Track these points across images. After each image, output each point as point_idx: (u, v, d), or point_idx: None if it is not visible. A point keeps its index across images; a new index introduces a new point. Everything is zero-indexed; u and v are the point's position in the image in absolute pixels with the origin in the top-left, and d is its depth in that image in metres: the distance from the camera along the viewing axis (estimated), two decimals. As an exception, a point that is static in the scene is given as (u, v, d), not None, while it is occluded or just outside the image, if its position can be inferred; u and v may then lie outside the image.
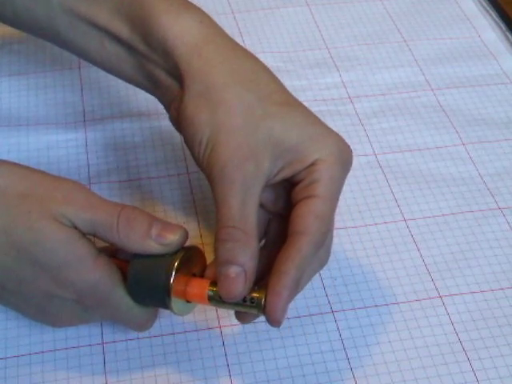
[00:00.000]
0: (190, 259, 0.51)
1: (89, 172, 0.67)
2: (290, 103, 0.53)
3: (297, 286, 0.49)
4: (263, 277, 0.51)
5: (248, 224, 0.49)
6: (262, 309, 0.49)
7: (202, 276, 0.51)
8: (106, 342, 0.56)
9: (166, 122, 0.71)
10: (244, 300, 0.49)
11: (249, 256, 0.48)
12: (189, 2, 0.55)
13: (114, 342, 0.56)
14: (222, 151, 0.49)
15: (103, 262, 0.49)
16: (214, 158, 0.49)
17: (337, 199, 0.51)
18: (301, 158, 0.50)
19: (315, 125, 0.52)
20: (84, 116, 0.72)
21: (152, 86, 0.56)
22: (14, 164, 0.51)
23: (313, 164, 0.50)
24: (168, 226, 0.50)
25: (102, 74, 0.75)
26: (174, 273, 0.49)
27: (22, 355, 0.55)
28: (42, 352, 0.55)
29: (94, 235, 0.50)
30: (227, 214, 0.49)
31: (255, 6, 0.85)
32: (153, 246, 0.49)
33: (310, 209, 0.49)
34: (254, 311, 0.49)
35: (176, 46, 0.52)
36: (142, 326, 0.53)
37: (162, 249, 0.49)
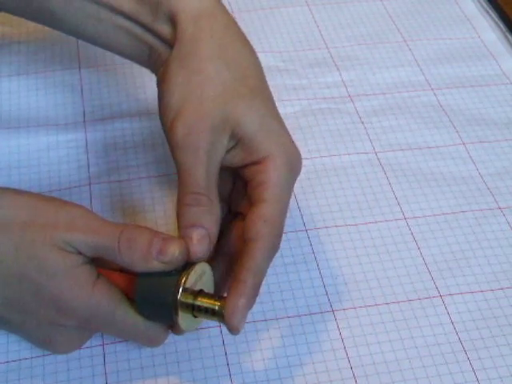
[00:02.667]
0: (198, 275, 0.50)
1: (89, 172, 0.67)
2: (262, 92, 0.54)
3: (255, 293, 0.50)
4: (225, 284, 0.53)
5: (212, 191, 0.50)
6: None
7: (209, 292, 0.51)
8: (107, 343, 0.56)
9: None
10: (206, 310, 0.49)
11: (214, 221, 0.50)
12: None
13: (115, 342, 0.56)
14: (187, 117, 0.51)
15: (101, 285, 0.49)
16: (179, 122, 0.51)
17: (285, 203, 0.52)
18: (252, 147, 0.52)
19: (274, 121, 0.54)
20: (84, 116, 0.72)
21: (145, 56, 0.58)
22: (16, 192, 0.51)
23: (261, 161, 0.52)
24: (168, 242, 0.49)
25: (102, 74, 0.75)
26: (180, 290, 0.49)
27: (25, 358, 0.55)
28: (43, 355, 0.55)
29: (100, 257, 0.50)
30: (192, 181, 0.50)
31: (255, 6, 0.85)
32: (155, 265, 0.49)
33: (258, 214, 0.51)
34: (215, 320, 0.50)
35: (178, 15, 0.54)
36: (153, 341, 0.53)
37: (164, 266, 0.49)
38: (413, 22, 0.84)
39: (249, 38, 0.81)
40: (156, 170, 0.67)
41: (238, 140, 0.52)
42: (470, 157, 0.70)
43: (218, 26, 0.55)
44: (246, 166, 0.53)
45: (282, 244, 0.61)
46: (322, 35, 0.82)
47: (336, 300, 0.59)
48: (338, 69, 0.78)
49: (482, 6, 0.87)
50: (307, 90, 0.76)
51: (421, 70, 0.79)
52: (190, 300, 0.49)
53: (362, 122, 0.73)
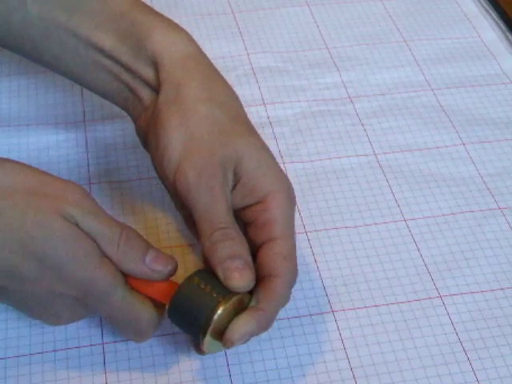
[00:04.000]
0: (236, 304, 0.50)
1: (89, 172, 0.67)
2: (253, 129, 0.56)
3: (268, 325, 0.51)
4: None
5: (235, 225, 0.51)
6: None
7: None
8: (107, 343, 0.56)
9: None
10: None
11: (247, 251, 0.51)
12: (175, 23, 0.58)
13: (115, 342, 0.56)
14: (195, 159, 0.52)
15: (107, 263, 0.49)
16: (188, 166, 0.51)
17: (294, 236, 0.54)
18: (253, 186, 0.53)
19: (268, 154, 0.55)
20: (84, 116, 0.72)
21: (123, 97, 0.58)
22: (18, 163, 0.50)
23: (263, 200, 0.53)
24: (161, 256, 0.51)
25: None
26: (215, 317, 0.49)
27: (23, 355, 0.55)
28: (42, 352, 0.55)
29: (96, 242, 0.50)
30: (217, 218, 0.51)
31: (255, 6, 0.85)
32: (144, 271, 0.50)
33: (276, 251, 0.52)
34: None
35: (163, 57, 0.55)
36: (141, 333, 0.53)
37: (151, 274, 0.50)
38: (413, 22, 0.84)
39: (249, 38, 0.82)
40: (156, 170, 0.67)
41: (238, 179, 0.53)
42: (470, 157, 0.70)
43: (203, 69, 0.56)
44: (246, 207, 0.53)
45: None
46: (321, 35, 0.82)
47: (336, 301, 0.59)
48: (337, 69, 0.78)
49: (482, 5, 0.87)
50: (307, 91, 0.76)
51: (421, 70, 0.79)
52: (221, 327, 0.50)
53: (362, 124, 0.73)
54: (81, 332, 0.56)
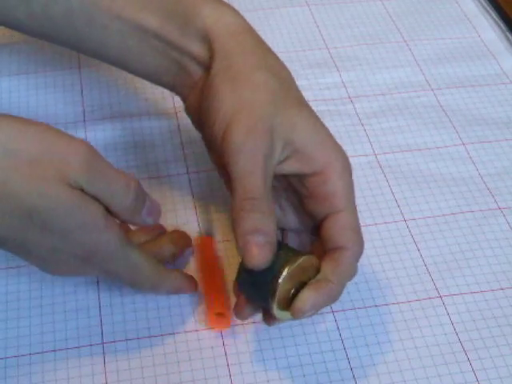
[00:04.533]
0: (303, 268, 0.50)
1: (89, 172, 0.67)
2: (305, 102, 0.55)
3: (337, 296, 0.51)
4: None
5: (269, 198, 0.50)
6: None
7: None
8: (107, 342, 0.56)
9: (166, 122, 0.71)
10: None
11: (273, 227, 0.50)
12: None
13: (114, 341, 0.56)
14: (243, 122, 0.51)
15: (113, 221, 0.51)
16: (235, 128, 0.51)
17: (356, 207, 0.54)
18: (309, 157, 0.52)
19: (324, 128, 0.54)
20: (84, 116, 0.72)
21: (172, 76, 0.58)
22: (24, 122, 0.49)
23: (322, 171, 0.52)
24: (155, 207, 0.53)
25: (102, 73, 0.75)
26: (283, 275, 0.49)
27: (22, 355, 0.55)
28: (42, 352, 0.55)
29: (102, 202, 0.50)
30: (251, 186, 0.49)
31: (255, 6, 0.85)
32: (138, 220, 0.52)
33: (342, 224, 0.52)
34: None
35: (214, 29, 0.55)
36: (156, 286, 0.55)
37: (143, 223, 0.53)
38: (413, 22, 0.84)
39: (249, 38, 0.81)
40: (156, 170, 0.67)
41: (292, 149, 0.52)
42: (470, 157, 0.70)
43: (254, 40, 0.55)
44: (303, 176, 0.53)
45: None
46: (322, 35, 0.82)
47: (336, 301, 0.59)
48: (337, 69, 0.78)
49: (482, 5, 0.87)
50: (307, 91, 0.75)
51: (421, 70, 0.79)
52: (287, 294, 0.50)
53: (362, 124, 0.73)
54: (81, 332, 0.56)
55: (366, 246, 0.62)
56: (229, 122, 0.51)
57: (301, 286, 0.50)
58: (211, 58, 0.54)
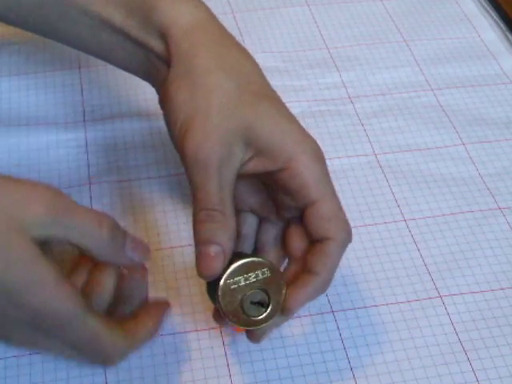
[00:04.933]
0: (248, 268, 0.50)
1: (89, 172, 0.67)
2: (267, 95, 0.54)
3: (325, 288, 0.51)
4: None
5: (226, 207, 0.50)
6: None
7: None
8: (106, 342, 0.56)
9: (165, 122, 0.71)
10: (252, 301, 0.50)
11: (227, 237, 0.50)
12: None
13: (114, 341, 0.56)
14: (196, 133, 0.50)
15: (68, 283, 0.46)
16: (188, 139, 0.50)
17: (335, 193, 0.52)
18: (273, 153, 0.51)
19: (285, 119, 0.53)
20: (84, 116, 0.72)
21: (145, 71, 0.57)
22: None
23: (289, 165, 0.51)
24: (138, 243, 0.50)
25: (102, 73, 0.75)
26: (225, 276, 0.49)
27: (22, 355, 0.55)
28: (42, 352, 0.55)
29: (68, 241, 0.47)
30: (206, 197, 0.50)
31: (255, 6, 0.85)
32: (124, 260, 0.49)
33: (318, 215, 0.51)
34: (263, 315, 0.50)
35: (170, 29, 0.54)
36: (108, 358, 0.49)
37: (129, 263, 0.49)
38: (413, 22, 0.84)
39: (249, 38, 0.82)
40: (156, 170, 0.67)
41: (255, 149, 0.51)
42: (470, 157, 0.70)
43: (212, 37, 0.54)
44: (273, 172, 0.52)
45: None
46: (322, 35, 0.82)
47: (336, 301, 0.59)
48: (337, 69, 0.78)
49: (482, 5, 0.87)
50: (307, 91, 0.76)
51: (421, 70, 0.79)
52: (235, 287, 0.50)
53: (362, 124, 0.73)
54: (81, 332, 0.56)
55: (366, 245, 0.62)
56: (183, 133, 0.51)
57: (263, 290, 0.50)
58: (169, 58, 0.54)
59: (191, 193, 0.51)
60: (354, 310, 0.58)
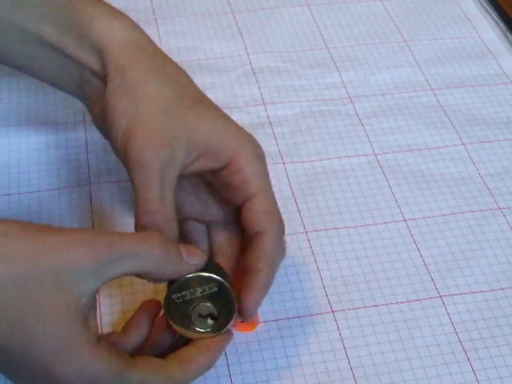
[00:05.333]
0: (194, 287, 0.50)
1: (89, 172, 0.67)
2: (205, 100, 0.55)
3: (271, 282, 0.52)
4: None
5: (168, 209, 0.51)
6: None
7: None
8: (106, 342, 0.56)
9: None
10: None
11: (172, 239, 0.50)
12: (119, 10, 0.57)
13: (114, 341, 0.56)
14: (138, 137, 0.51)
15: (102, 348, 0.45)
16: (131, 143, 0.51)
17: (271, 189, 0.54)
18: (215, 152, 0.53)
19: (223, 119, 0.55)
20: (84, 116, 0.72)
21: (78, 88, 0.58)
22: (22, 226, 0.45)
23: (230, 163, 0.53)
24: (191, 248, 0.50)
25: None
26: (169, 291, 0.50)
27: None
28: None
29: (125, 275, 0.46)
30: (147, 200, 0.50)
31: (255, 6, 0.85)
32: (186, 268, 0.49)
33: (255, 209, 0.52)
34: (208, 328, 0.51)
35: (106, 46, 0.54)
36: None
37: (192, 269, 0.49)
38: (413, 21, 0.84)
39: (249, 38, 0.82)
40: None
41: (198, 150, 0.52)
42: (470, 157, 0.70)
43: (148, 53, 0.55)
44: (216, 170, 0.53)
45: (282, 246, 0.61)
46: (322, 35, 0.82)
47: (336, 301, 0.59)
48: (337, 69, 0.78)
49: (482, 5, 0.87)
50: (307, 91, 0.76)
51: (421, 70, 0.79)
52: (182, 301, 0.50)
53: (362, 124, 0.73)
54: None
55: (366, 245, 0.63)
56: (127, 138, 0.51)
57: (212, 303, 0.50)
58: (106, 74, 0.54)
59: (134, 195, 0.51)
60: (354, 310, 0.58)
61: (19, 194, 0.65)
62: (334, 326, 0.57)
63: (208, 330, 0.51)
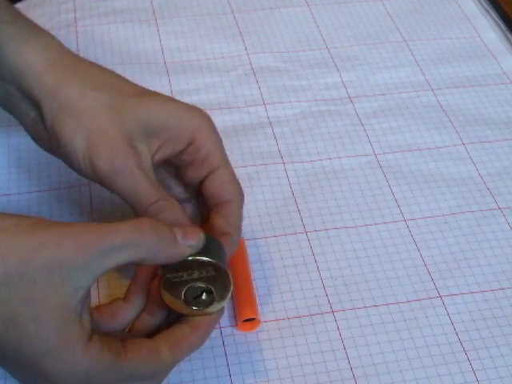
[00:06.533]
0: (193, 270, 0.49)
1: (89, 172, 0.67)
2: (145, 92, 0.56)
3: (237, 245, 0.55)
4: None
5: (162, 192, 0.52)
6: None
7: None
8: (106, 342, 0.56)
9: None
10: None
11: (183, 216, 0.52)
12: (36, 26, 0.56)
13: (114, 341, 0.56)
14: (103, 152, 0.52)
15: (94, 344, 0.45)
16: (98, 160, 0.51)
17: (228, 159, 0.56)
18: (174, 135, 0.54)
19: (173, 102, 0.56)
20: (84, 116, 0.71)
21: (13, 114, 0.57)
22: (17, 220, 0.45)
23: (191, 141, 0.54)
24: (188, 229, 0.49)
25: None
26: (166, 272, 0.49)
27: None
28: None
29: (119, 266, 0.45)
30: (146, 195, 0.51)
31: (255, 6, 0.85)
32: (182, 250, 0.47)
33: (222, 179, 0.55)
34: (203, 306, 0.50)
35: (25, 71, 0.53)
36: (155, 380, 0.49)
37: (188, 251, 0.48)
38: (413, 21, 0.84)
39: (249, 38, 0.82)
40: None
41: (159, 137, 0.54)
42: (470, 157, 0.70)
43: (70, 67, 0.54)
44: (181, 151, 0.55)
45: (282, 246, 0.62)
46: (322, 35, 0.82)
47: (336, 301, 0.59)
48: (337, 69, 0.78)
49: (482, 5, 0.87)
50: (307, 91, 0.76)
51: (421, 70, 0.79)
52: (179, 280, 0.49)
53: (362, 124, 0.73)
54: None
55: (366, 245, 0.63)
56: (90, 157, 0.52)
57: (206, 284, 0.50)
58: (37, 100, 0.53)
59: (127, 201, 0.52)
60: (354, 310, 0.58)
61: (19, 194, 0.65)
62: (334, 325, 0.57)
63: (201, 308, 0.50)
